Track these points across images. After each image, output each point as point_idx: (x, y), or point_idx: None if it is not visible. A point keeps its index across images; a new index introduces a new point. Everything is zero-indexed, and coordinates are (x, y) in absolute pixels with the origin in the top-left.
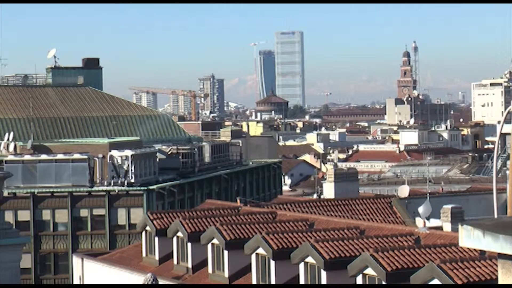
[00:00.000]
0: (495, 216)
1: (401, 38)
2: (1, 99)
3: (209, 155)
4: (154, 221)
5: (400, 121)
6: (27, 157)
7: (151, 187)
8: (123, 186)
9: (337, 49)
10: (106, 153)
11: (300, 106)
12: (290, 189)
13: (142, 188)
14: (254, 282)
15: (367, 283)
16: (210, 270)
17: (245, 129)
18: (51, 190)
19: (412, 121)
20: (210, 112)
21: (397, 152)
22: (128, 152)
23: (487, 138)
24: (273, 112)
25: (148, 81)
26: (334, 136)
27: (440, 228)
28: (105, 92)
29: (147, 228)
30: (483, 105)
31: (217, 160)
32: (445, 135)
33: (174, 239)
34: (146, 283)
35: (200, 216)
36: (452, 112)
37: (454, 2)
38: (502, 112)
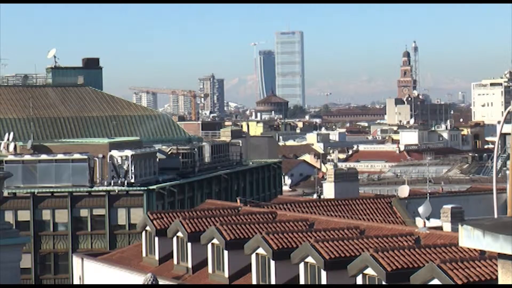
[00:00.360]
0: (495, 216)
1: (401, 38)
2: (1, 99)
3: (209, 155)
4: (154, 221)
5: (400, 121)
6: (27, 157)
7: (151, 187)
8: (123, 186)
9: (337, 49)
10: (106, 153)
11: (300, 106)
12: (290, 189)
13: (142, 188)
14: (254, 282)
15: (367, 283)
16: (210, 270)
17: (245, 129)
18: (51, 190)
19: (412, 121)
20: (210, 112)
21: (397, 152)
22: (128, 152)
23: (487, 138)
24: (273, 112)
25: (148, 81)
26: (334, 136)
27: (440, 228)
28: (105, 92)
29: (147, 228)
30: (483, 105)
31: (217, 160)
32: (445, 135)
33: (174, 239)
34: (146, 283)
35: (200, 216)
36: (452, 112)
37: (454, 2)
38: (502, 112)
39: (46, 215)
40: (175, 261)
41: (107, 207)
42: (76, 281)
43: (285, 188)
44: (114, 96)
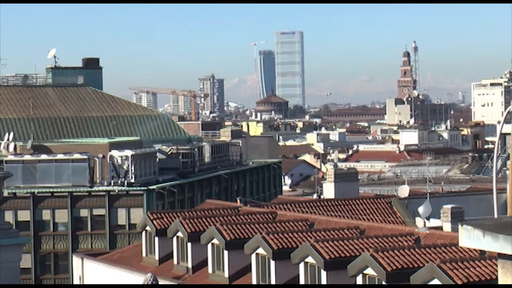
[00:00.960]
0: (495, 216)
1: (401, 38)
2: (1, 99)
3: (209, 155)
4: (154, 221)
5: (400, 121)
6: (27, 157)
7: (151, 187)
8: (123, 186)
9: (337, 49)
10: (106, 153)
11: (300, 106)
12: (290, 189)
13: (142, 188)
14: (254, 282)
15: (367, 283)
16: (210, 270)
17: (245, 129)
18: (51, 190)
19: (412, 121)
20: (210, 112)
21: (397, 152)
22: (128, 152)
23: (487, 138)
24: (273, 112)
25: (148, 81)
26: (334, 136)
27: (440, 228)
28: (105, 92)
29: (147, 228)
30: (483, 105)
31: (217, 160)
32: (445, 135)
33: (174, 239)
34: (146, 283)
35: (200, 216)
36: (452, 112)
37: (454, 2)
38: (502, 112)
39: (46, 215)
40: (175, 261)
41: (107, 207)
42: (76, 281)
43: (285, 188)
44: (114, 96)
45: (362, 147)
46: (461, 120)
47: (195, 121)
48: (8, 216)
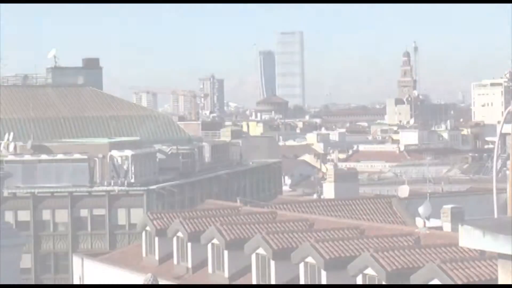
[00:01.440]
0: (495, 216)
1: (401, 38)
2: (1, 99)
3: (209, 155)
4: (154, 221)
5: (400, 121)
6: (27, 157)
7: (151, 187)
8: (123, 186)
9: (337, 49)
10: (106, 153)
11: (300, 106)
12: (290, 189)
13: (142, 188)
14: (254, 282)
15: (367, 283)
16: (210, 270)
17: (245, 129)
18: (51, 190)
19: (412, 121)
20: (210, 112)
21: (397, 152)
22: (128, 152)
23: (487, 138)
24: (273, 112)
25: (148, 81)
26: (334, 136)
27: (440, 228)
28: (105, 92)
29: (147, 228)
30: (483, 105)
31: (217, 160)
32: (445, 135)
33: (174, 239)
34: (146, 283)
35: (200, 216)
36: (452, 112)
37: (454, 2)
38: (502, 112)
39: (46, 215)
40: (175, 261)
41: (107, 207)
42: (76, 281)
43: (285, 188)
44: (114, 96)
45: (362, 147)
46: (461, 120)
47: (195, 121)
48: (8, 216)
